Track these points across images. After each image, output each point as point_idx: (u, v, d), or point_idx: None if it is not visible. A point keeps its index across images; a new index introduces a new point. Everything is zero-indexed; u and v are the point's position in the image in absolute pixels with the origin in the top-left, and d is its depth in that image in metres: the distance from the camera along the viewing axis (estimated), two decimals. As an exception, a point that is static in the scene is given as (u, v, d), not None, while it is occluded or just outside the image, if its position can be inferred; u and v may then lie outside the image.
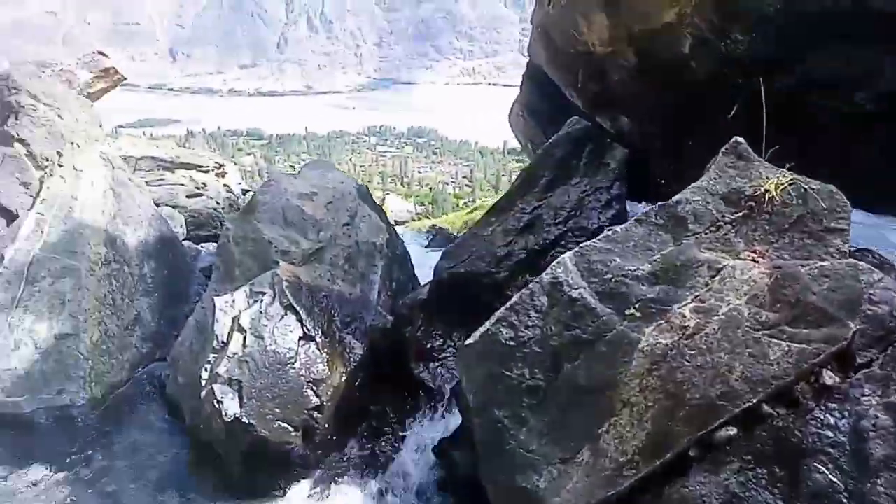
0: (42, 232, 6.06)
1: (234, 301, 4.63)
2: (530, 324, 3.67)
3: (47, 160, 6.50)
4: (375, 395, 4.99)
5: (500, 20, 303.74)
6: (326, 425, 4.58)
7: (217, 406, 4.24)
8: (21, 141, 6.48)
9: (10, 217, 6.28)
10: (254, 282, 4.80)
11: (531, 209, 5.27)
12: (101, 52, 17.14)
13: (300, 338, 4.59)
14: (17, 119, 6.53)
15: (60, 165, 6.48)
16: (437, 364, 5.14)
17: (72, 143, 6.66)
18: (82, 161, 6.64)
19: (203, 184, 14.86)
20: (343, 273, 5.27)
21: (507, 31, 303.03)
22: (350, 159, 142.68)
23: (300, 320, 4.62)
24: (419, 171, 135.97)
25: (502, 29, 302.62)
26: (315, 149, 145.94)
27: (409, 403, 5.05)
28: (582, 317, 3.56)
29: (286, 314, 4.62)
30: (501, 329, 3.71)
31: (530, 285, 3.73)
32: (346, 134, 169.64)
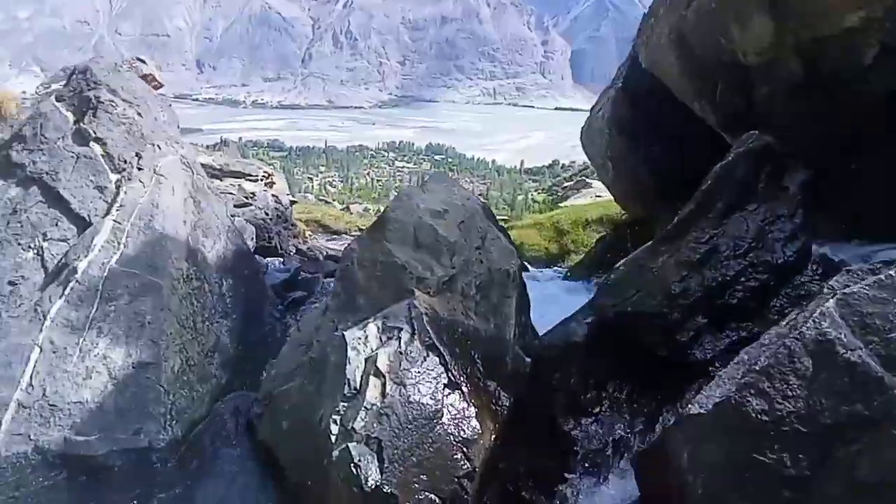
0: (119, 243, 5.31)
1: (366, 337, 3.81)
2: (790, 393, 2.82)
3: (125, 162, 5.77)
4: (520, 456, 4.14)
5: (523, 42, 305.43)
6: (475, 496, 3.73)
7: (354, 471, 3.41)
8: (98, 140, 5.77)
9: (84, 224, 5.54)
10: (387, 314, 3.98)
11: (706, 238, 4.44)
12: (139, 59, 16.69)
13: (445, 385, 3.76)
14: (94, 116, 5.84)
15: (139, 169, 5.75)
16: (590, 420, 4.30)
17: (152, 145, 5.95)
18: (163, 165, 5.91)
19: (252, 193, 14.21)
20: (475, 305, 4.45)
21: (529, 52, 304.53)
22: (368, 173, 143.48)
23: (444, 364, 3.79)
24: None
25: (524, 51, 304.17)
26: (334, 162, 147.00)
27: (558, 467, 4.20)
28: (864, 388, 2.71)
29: (428, 355, 3.79)
30: (749, 398, 2.87)
31: (787, 342, 2.89)
32: (366, 149, 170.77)
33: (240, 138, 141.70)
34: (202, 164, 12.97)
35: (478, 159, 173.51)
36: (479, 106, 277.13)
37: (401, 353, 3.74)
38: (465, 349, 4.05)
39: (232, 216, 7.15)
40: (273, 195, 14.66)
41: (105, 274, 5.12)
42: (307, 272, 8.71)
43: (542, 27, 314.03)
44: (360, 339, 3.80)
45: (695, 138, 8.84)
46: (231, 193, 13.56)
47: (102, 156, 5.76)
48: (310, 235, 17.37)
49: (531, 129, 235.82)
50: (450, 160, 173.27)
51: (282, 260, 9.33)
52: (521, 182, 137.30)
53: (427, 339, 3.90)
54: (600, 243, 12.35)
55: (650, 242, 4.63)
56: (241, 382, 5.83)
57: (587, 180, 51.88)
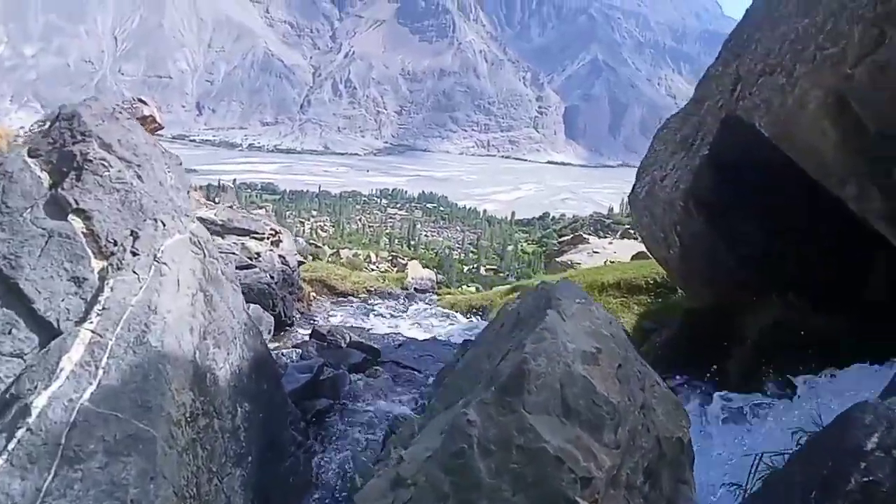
0: (97, 367, 3.65)
1: None
2: None
3: (115, 244, 4.18)
4: None
5: (518, 97, 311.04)
6: None
7: None
8: (80, 213, 4.18)
9: (49, 333, 3.90)
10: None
11: None
12: (140, 100, 15.32)
13: None
14: (78, 179, 4.26)
15: (134, 254, 4.14)
16: None
17: (154, 221, 4.35)
18: (167, 249, 4.31)
19: (256, 254, 12.57)
20: (643, 502, 2.84)
21: (524, 107, 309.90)
22: (360, 219, 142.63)
23: None
24: (426, 235, 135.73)
25: (519, 105, 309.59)
26: (326, 206, 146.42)
27: None
28: None
29: None
30: None
31: None
32: (359, 195, 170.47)
33: (234, 180, 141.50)
34: (201, 218, 11.28)
35: (469, 209, 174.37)
36: (473, 157, 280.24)
37: None
38: None
39: (246, 306, 5.51)
40: (280, 255, 13.01)
41: (72, 417, 3.44)
42: (329, 365, 7.03)
43: (537, 83, 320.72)
44: None
45: (800, 226, 7.47)
46: (233, 253, 11.92)
47: (84, 234, 4.17)
48: (314, 297, 15.69)
49: (522, 181, 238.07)
50: (441, 209, 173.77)
51: (298, 350, 7.65)
52: (511, 233, 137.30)
53: None
54: (655, 335, 10.78)
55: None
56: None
57: (584, 236, 51.07)
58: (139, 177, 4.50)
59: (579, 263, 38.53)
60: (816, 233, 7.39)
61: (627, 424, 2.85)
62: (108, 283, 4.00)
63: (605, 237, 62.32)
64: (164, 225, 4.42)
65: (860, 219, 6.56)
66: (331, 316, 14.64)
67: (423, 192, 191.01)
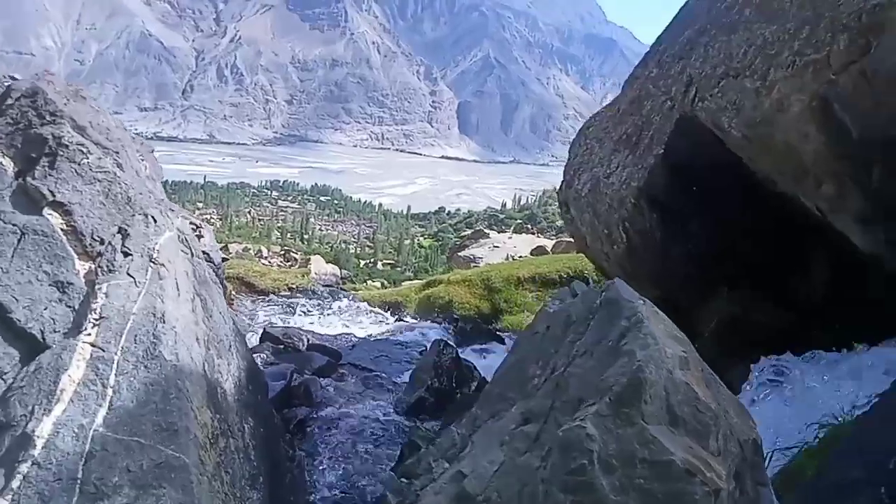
0: (104, 386, 3.14)
1: None
2: None
3: (101, 243, 3.62)
4: None
5: (412, 91, 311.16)
6: None
7: None
8: (58, 206, 3.58)
9: (31, 347, 3.31)
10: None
11: None
12: (12, 77, 13.79)
13: None
14: (51, 167, 3.64)
15: (126, 254, 3.61)
16: None
17: (144, 216, 3.82)
18: (161, 247, 3.80)
19: (177, 251, 11.57)
20: (733, 506, 2.82)
21: (418, 101, 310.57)
22: (249, 211, 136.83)
23: None
24: (321, 229, 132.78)
25: (413, 99, 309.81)
26: (213, 198, 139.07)
27: None
28: None
29: None
30: None
31: None
32: (248, 186, 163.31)
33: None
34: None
35: (364, 202, 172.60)
36: (367, 150, 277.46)
37: None
38: None
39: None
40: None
41: (86, 447, 2.93)
42: (297, 372, 6.59)
43: (430, 78, 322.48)
44: None
45: (746, 224, 7.87)
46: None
47: (64, 231, 3.57)
48: (234, 296, 14.80)
49: (418, 175, 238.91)
50: (336, 202, 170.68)
51: (255, 354, 7.11)
52: (407, 227, 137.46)
53: None
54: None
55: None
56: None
57: (484, 231, 52.04)
58: (119, 165, 3.94)
59: (481, 258, 39.15)
60: (760, 231, 7.83)
61: (721, 429, 2.81)
62: (100, 289, 3.47)
63: (503, 232, 63.84)
64: (155, 221, 3.91)
65: (800, 222, 7.05)
66: (253, 315, 13.88)
67: (316, 184, 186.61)
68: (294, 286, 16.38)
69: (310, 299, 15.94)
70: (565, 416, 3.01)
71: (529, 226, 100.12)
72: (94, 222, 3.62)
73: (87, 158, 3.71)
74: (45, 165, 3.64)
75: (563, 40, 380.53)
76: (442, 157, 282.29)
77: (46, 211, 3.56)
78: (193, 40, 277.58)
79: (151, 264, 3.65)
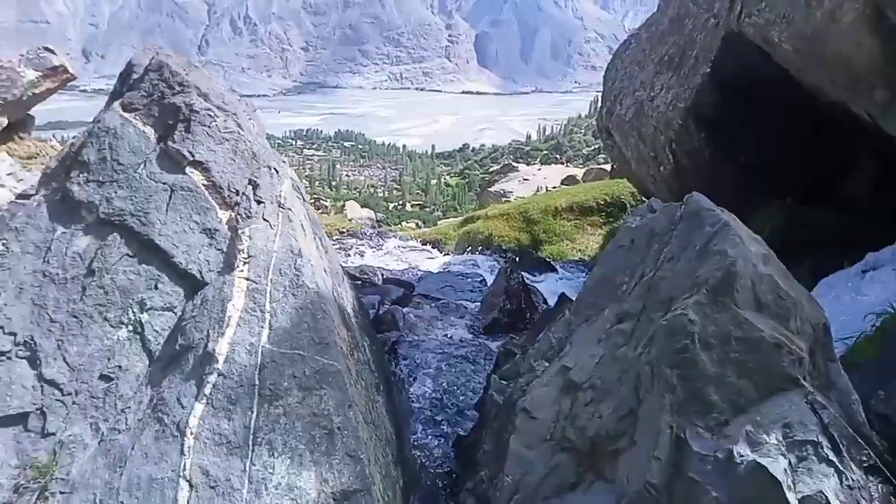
0: (264, 311, 3.76)
1: (788, 464, 2.61)
2: None
3: (238, 194, 4.17)
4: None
5: (428, 27, 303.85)
6: None
7: None
8: (198, 165, 4.13)
9: (194, 285, 3.93)
10: (775, 418, 2.79)
11: None
12: (47, 49, 14.24)
13: (887, 515, 2.63)
14: (187, 131, 4.17)
15: (259, 202, 4.17)
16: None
17: (268, 168, 4.36)
18: (286, 194, 4.35)
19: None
20: (810, 380, 3.33)
21: (435, 37, 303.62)
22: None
23: (888, 484, 2.66)
24: (347, 175, 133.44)
25: (429, 35, 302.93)
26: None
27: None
28: None
29: (870, 480, 2.65)
30: None
31: None
32: (272, 137, 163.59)
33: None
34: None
35: (388, 145, 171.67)
36: (387, 91, 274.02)
37: (848, 486, 2.56)
38: (859, 454, 2.92)
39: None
40: None
41: (258, 360, 3.56)
42: (381, 303, 7.26)
43: (445, 11, 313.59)
44: (782, 469, 2.58)
45: (799, 135, 8.09)
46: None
47: (206, 186, 4.13)
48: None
49: (440, 113, 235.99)
50: (360, 147, 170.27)
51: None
52: (432, 167, 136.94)
53: (841, 452, 2.75)
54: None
55: None
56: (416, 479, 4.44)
57: (513, 164, 51.75)
58: (239, 125, 4.45)
59: (511, 192, 39.25)
60: (807, 140, 8.06)
61: (800, 314, 3.29)
62: (243, 232, 4.05)
63: (531, 164, 63.37)
64: (277, 172, 4.45)
65: (847, 128, 7.26)
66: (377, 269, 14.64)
67: (339, 130, 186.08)
68: (344, 229, 17.08)
69: (359, 240, 16.59)
70: (657, 313, 3.53)
71: (557, 156, 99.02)
72: (228, 177, 4.16)
73: (216, 121, 4.22)
74: (181, 130, 4.16)
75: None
76: (463, 92, 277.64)
77: (188, 170, 4.11)
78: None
79: (280, 209, 4.21)
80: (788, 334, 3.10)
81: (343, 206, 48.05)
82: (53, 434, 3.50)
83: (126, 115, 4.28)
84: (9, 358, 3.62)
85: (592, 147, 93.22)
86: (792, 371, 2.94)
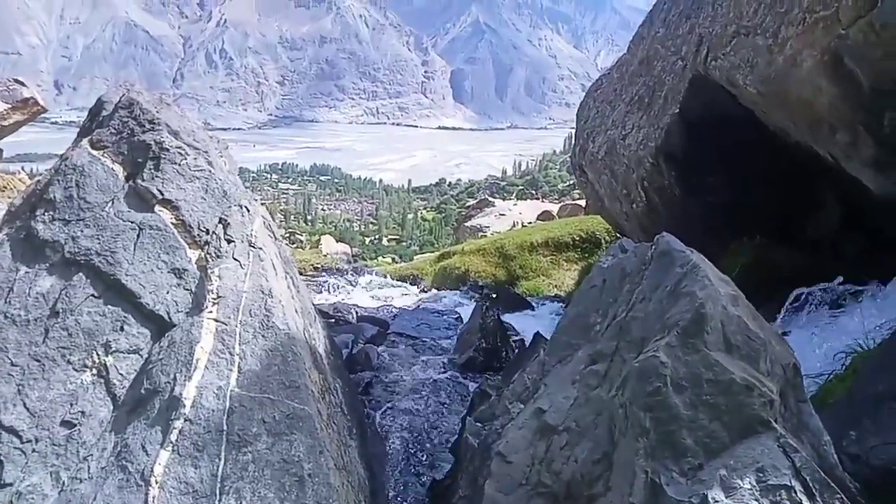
0: (231, 354, 3.67)
1: (745, 497, 2.61)
2: None
3: (207, 233, 4.11)
4: None
5: (404, 62, 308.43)
6: None
7: None
8: (167, 203, 4.06)
9: (160, 326, 3.83)
10: (748, 461, 2.79)
11: None
12: (17, 80, 14.13)
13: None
14: (157, 170, 4.11)
15: (229, 241, 4.11)
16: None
17: (239, 206, 4.31)
18: (257, 233, 4.30)
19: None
20: (782, 421, 3.34)
21: (411, 72, 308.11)
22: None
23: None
24: (323, 209, 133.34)
25: (405, 71, 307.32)
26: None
27: None
28: None
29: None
30: None
31: None
32: (247, 171, 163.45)
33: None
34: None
35: (364, 179, 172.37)
36: (363, 126, 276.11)
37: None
38: (832, 498, 2.92)
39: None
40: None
41: (227, 404, 3.46)
42: (355, 341, 7.17)
43: (421, 47, 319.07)
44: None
45: (760, 174, 8.29)
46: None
47: (175, 225, 4.06)
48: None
49: (416, 148, 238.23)
50: (336, 181, 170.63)
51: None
52: (409, 201, 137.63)
53: (814, 497, 2.75)
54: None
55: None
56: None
57: (489, 199, 52.21)
58: (210, 163, 4.41)
59: (488, 227, 39.48)
60: (774, 179, 8.26)
61: (769, 354, 3.31)
62: (213, 272, 3.98)
63: (506, 199, 63.93)
64: (248, 210, 4.40)
65: (812, 169, 7.46)
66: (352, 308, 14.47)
67: (315, 164, 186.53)
68: (318, 265, 16.97)
69: (334, 276, 16.47)
70: (630, 354, 3.53)
71: (533, 191, 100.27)
72: (198, 215, 4.11)
73: (186, 159, 4.18)
74: (151, 168, 4.10)
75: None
76: (439, 127, 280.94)
77: (157, 208, 4.04)
78: (179, 27, 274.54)
79: (251, 248, 4.15)
80: (759, 376, 3.12)
81: (318, 240, 47.81)
82: (11, 485, 3.34)
83: (95, 152, 4.21)
84: (-37, 404, 3.47)
85: (567, 182, 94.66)
86: (763, 413, 2.94)
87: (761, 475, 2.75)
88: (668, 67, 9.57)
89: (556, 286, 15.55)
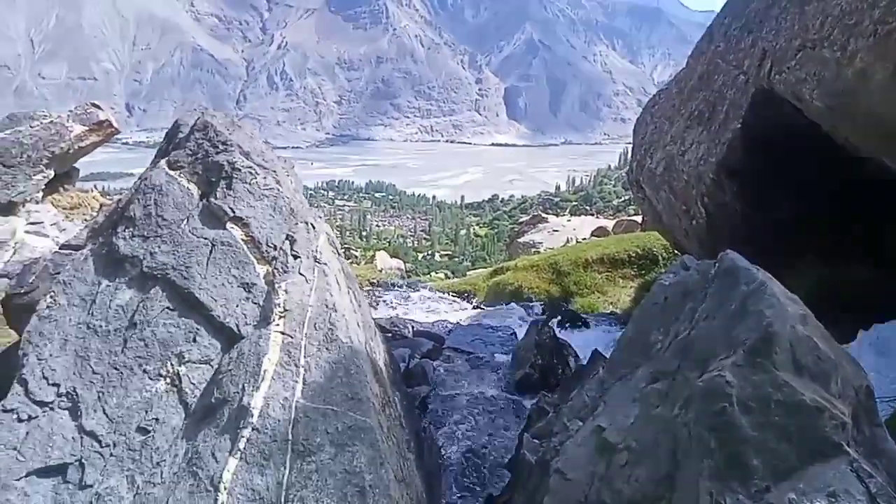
0: (296, 366, 3.80)
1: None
2: None
3: (275, 248, 4.28)
4: None
5: (458, 81, 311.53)
6: None
7: None
8: (238, 220, 4.26)
9: (230, 338, 4.00)
10: (819, 485, 2.70)
11: None
12: (94, 104, 14.93)
13: None
14: (229, 188, 4.33)
15: (295, 256, 4.27)
16: None
17: (305, 223, 4.48)
18: (322, 249, 4.45)
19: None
20: (854, 445, 3.21)
21: (465, 91, 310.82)
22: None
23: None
24: (378, 225, 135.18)
25: (459, 89, 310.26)
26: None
27: None
28: None
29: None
30: None
31: None
32: (305, 188, 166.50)
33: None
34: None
35: (418, 195, 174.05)
36: (417, 143, 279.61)
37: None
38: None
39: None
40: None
41: (292, 414, 3.59)
42: (411, 356, 7.26)
43: (475, 66, 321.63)
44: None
45: (827, 190, 8.01)
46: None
47: (245, 241, 4.25)
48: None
49: (469, 164, 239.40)
50: (390, 197, 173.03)
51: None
52: (462, 217, 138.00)
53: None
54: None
55: None
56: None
57: (542, 215, 51.85)
58: (278, 182, 4.60)
59: (541, 243, 39.17)
60: (840, 193, 7.97)
61: (840, 374, 3.21)
62: (280, 287, 4.14)
63: (560, 215, 63.43)
64: (314, 227, 4.56)
65: (883, 181, 7.16)
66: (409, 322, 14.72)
67: (371, 181, 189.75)
68: (374, 280, 17.25)
69: (388, 291, 16.68)
70: (693, 373, 3.47)
71: (587, 207, 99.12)
72: (267, 232, 4.29)
73: (256, 178, 4.38)
74: (223, 187, 4.32)
75: (608, 14, 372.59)
76: (492, 144, 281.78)
77: (229, 225, 4.25)
78: (243, 51, 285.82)
79: (316, 264, 4.30)
80: (829, 397, 3.03)
81: (373, 255, 48.47)
82: (91, 486, 3.54)
83: (171, 172, 4.46)
84: (52, 409, 3.71)
85: (622, 198, 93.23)
86: (835, 436, 2.85)
87: (833, 500, 2.66)
88: (729, 82, 9.39)
89: (611, 303, 15.30)
